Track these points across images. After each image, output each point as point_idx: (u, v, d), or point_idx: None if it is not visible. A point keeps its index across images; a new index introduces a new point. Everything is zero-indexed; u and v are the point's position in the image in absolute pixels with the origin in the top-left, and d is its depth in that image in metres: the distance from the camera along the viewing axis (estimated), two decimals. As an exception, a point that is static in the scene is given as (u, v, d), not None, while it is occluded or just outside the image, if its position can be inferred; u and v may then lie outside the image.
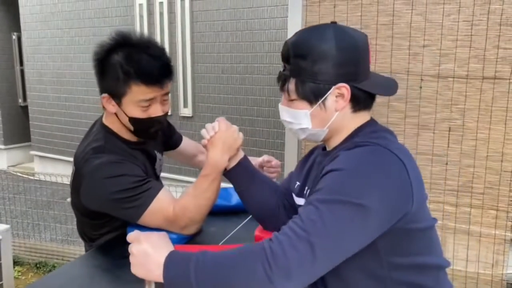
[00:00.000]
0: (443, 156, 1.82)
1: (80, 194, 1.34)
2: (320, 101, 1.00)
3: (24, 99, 6.69)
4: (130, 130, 1.39)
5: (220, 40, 4.61)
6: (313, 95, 1.00)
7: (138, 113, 1.33)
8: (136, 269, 0.91)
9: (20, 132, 6.76)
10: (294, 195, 1.21)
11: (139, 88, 1.29)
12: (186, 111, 4.92)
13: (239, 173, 1.28)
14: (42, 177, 5.19)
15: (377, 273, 0.97)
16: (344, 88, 0.99)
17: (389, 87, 1.07)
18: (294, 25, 1.84)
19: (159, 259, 0.89)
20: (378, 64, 1.84)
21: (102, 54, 1.33)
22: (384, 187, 0.89)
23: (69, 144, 5.70)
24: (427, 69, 1.79)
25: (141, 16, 5.05)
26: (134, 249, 0.92)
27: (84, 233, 1.48)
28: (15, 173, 5.89)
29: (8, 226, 2.36)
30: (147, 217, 1.29)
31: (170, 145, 1.76)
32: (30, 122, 6.33)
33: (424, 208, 1.00)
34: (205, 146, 1.29)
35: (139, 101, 1.31)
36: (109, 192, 1.28)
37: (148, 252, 0.90)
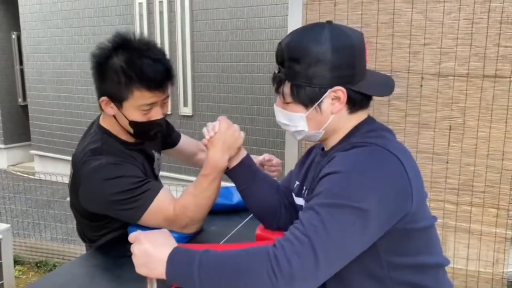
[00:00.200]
0: (443, 154, 1.82)
1: (79, 196, 1.34)
2: (316, 105, 0.99)
3: (24, 98, 6.69)
4: (129, 132, 1.38)
5: (220, 39, 4.61)
6: (308, 99, 0.99)
7: (138, 117, 1.32)
8: (140, 269, 0.91)
9: (20, 131, 6.76)
10: (293, 195, 1.21)
11: (142, 94, 1.28)
12: (186, 110, 4.91)
13: (241, 172, 1.27)
14: (42, 177, 5.19)
15: (377, 273, 0.96)
16: (340, 91, 0.98)
17: (386, 85, 1.05)
18: (294, 24, 1.84)
19: (161, 257, 0.89)
20: (379, 62, 1.83)
21: (101, 57, 1.31)
22: (383, 189, 0.89)
23: (69, 143, 5.70)
24: (428, 68, 1.79)
25: (140, 15, 5.04)
26: (136, 250, 0.92)
27: (84, 234, 1.48)
28: (15, 173, 5.89)
29: (8, 225, 2.37)
30: (147, 218, 1.29)
31: (169, 144, 1.75)
32: (30, 121, 6.33)
33: (424, 207, 1.00)
34: (206, 145, 1.28)
35: (141, 106, 1.30)
36: (108, 194, 1.27)
37: (149, 251, 0.90)
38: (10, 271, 2.35)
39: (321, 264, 0.84)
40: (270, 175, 1.57)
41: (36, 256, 3.58)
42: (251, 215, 1.53)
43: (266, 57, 4.38)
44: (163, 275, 0.89)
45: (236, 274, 0.85)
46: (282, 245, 0.85)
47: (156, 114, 1.34)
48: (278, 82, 1.03)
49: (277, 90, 1.04)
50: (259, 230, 1.33)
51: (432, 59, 1.78)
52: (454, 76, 1.76)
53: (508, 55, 1.68)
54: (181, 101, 4.92)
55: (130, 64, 1.27)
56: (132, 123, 1.33)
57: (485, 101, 1.73)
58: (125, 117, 1.32)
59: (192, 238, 1.37)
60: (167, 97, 1.36)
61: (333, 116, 1.01)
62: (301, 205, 1.15)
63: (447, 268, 1.08)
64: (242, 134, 1.27)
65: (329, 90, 0.98)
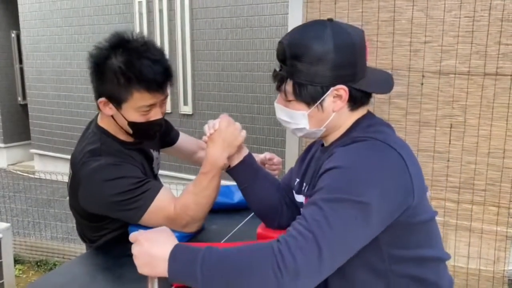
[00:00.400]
0: (444, 152, 1.82)
1: (78, 197, 1.33)
2: (318, 103, 1.00)
3: (24, 97, 6.68)
4: (127, 132, 1.37)
5: (220, 37, 4.60)
6: (311, 98, 1.00)
7: (138, 118, 1.31)
8: (142, 269, 0.91)
9: (20, 130, 6.76)
10: (294, 192, 1.21)
11: (141, 95, 1.27)
12: (186, 109, 4.91)
13: (242, 171, 1.27)
14: (42, 175, 5.18)
15: (379, 266, 0.97)
16: (342, 90, 0.99)
17: (386, 83, 1.06)
18: (295, 22, 1.83)
19: (162, 255, 0.89)
20: (379, 61, 1.83)
21: (99, 57, 1.29)
22: (385, 183, 0.89)
23: (69, 142, 5.70)
24: (428, 66, 1.78)
25: (140, 14, 5.03)
26: (135, 251, 0.91)
27: (84, 235, 1.47)
28: (15, 172, 5.89)
29: (8, 224, 2.36)
30: (148, 218, 1.28)
31: (167, 142, 1.74)
32: (30, 120, 6.32)
33: (424, 200, 1.00)
34: (206, 142, 1.28)
35: (140, 107, 1.29)
36: (108, 195, 1.27)
37: (150, 251, 0.90)
38: (10, 270, 2.35)
39: (325, 259, 0.84)
40: (271, 174, 1.56)
41: (36, 255, 3.58)
42: (252, 213, 1.53)
43: (266, 56, 4.37)
44: (165, 273, 0.89)
45: (240, 270, 0.85)
46: (286, 240, 0.85)
47: (155, 115, 1.33)
48: (279, 80, 1.03)
49: (278, 88, 1.04)
50: (260, 228, 1.32)
51: (433, 57, 1.77)
52: (455, 74, 1.76)
53: (509, 53, 1.67)
54: (181, 100, 4.91)
55: (129, 65, 1.25)
56: (131, 124, 1.33)
57: (486, 99, 1.73)
58: (124, 117, 1.32)
59: (193, 237, 1.36)
60: (166, 97, 1.36)
61: (335, 113, 1.01)
62: (301, 202, 1.15)
63: (447, 266, 1.09)
64: (243, 132, 1.26)
65: (331, 89, 0.98)
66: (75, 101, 5.73)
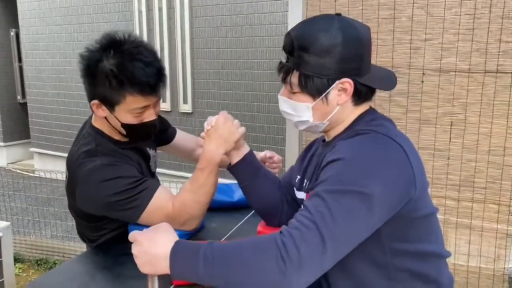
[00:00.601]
0: (444, 150, 1.81)
1: (76, 198, 1.33)
2: (323, 95, 1.00)
3: (23, 96, 6.68)
4: (122, 133, 1.37)
5: (220, 35, 4.59)
6: (316, 90, 1.00)
7: (131, 120, 1.30)
8: (143, 268, 0.91)
9: (20, 129, 6.75)
10: (295, 189, 1.21)
11: (134, 98, 1.26)
12: (186, 107, 4.90)
13: (243, 168, 1.27)
14: (42, 174, 5.18)
15: (380, 260, 0.97)
16: (347, 83, 0.99)
17: (390, 80, 1.07)
18: (295, 20, 1.83)
19: (163, 253, 0.88)
20: (380, 58, 1.83)
21: (91, 59, 1.28)
22: (387, 174, 0.90)
23: (68, 140, 5.70)
24: (429, 63, 1.78)
25: (140, 12, 5.02)
26: (136, 251, 0.91)
27: (83, 235, 1.47)
28: (15, 170, 5.89)
29: (8, 223, 2.36)
30: (146, 217, 1.28)
31: (164, 140, 1.73)
32: (29, 119, 6.32)
33: (425, 195, 1.01)
34: (203, 138, 1.29)
35: (133, 109, 1.29)
36: (105, 196, 1.26)
37: (149, 250, 0.89)
38: (10, 269, 2.35)
39: (329, 250, 0.84)
40: (272, 172, 1.56)
41: (36, 253, 3.57)
42: (252, 212, 1.53)
43: (266, 54, 4.37)
44: (167, 271, 0.88)
45: (243, 263, 0.85)
46: (289, 232, 0.85)
47: (149, 116, 1.33)
48: (285, 71, 1.03)
49: (284, 80, 1.04)
50: (260, 227, 1.32)
51: (433, 55, 1.77)
52: (455, 71, 1.75)
53: (509, 50, 1.67)
54: (181, 98, 4.91)
55: (121, 68, 1.24)
56: (125, 126, 1.32)
57: (487, 97, 1.72)
58: (117, 119, 1.31)
59: (193, 235, 1.36)
60: (160, 98, 1.35)
61: (339, 107, 1.02)
62: (302, 199, 1.15)
63: (448, 264, 1.09)
64: (242, 129, 1.26)
65: (336, 82, 0.99)
66: (75, 100, 5.73)
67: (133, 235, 0.93)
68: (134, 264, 0.91)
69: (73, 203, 1.38)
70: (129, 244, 0.93)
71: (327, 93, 1.00)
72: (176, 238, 0.91)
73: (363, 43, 1.00)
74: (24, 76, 6.38)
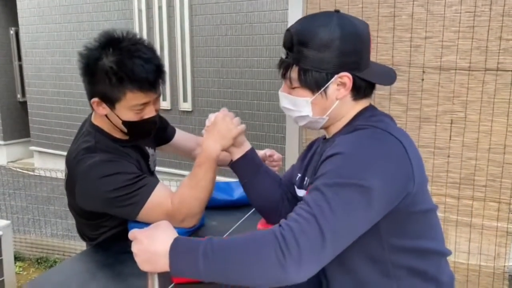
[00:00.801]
0: (445, 148, 1.81)
1: (75, 195, 1.33)
2: (322, 90, 1.01)
3: (23, 94, 6.67)
4: (122, 131, 1.37)
5: (220, 33, 4.59)
6: (315, 84, 1.01)
7: (131, 116, 1.31)
8: (143, 266, 0.91)
9: (20, 127, 6.75)
10: (295, 187, 1.21)
11: (134, 95, 1.27)
12: (186, 106, 4.90)
13: (244, 165, 1.27)
14: (42, 173, 5.17)
15: (378, 256, 0.98)
16: (346, 77, 1.00)
17: (389, 76, 1.08)
18: (294, 18, 1.82)
19: (162, 250, 0.88)
20: (380, 56, 1.82)
21: (90, 57, 1.28)
22: (385, 168, 0.90)
23: (68, 139, 5.68)
24: (429, 61, 1.78)
25: (139, 10, 5.02)
26: (135, 249, 0.91)
27: (83, 233, 1.47)
28: (15, 169, 5.88)
29: (8, 221, 2.36)
30: (145, 213, 1.28)
31: (163, 139, 1.74)
32: (29, 117, 6.32)
33: (425, 191, 1.01)
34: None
35: (134, 106, 1.29)
36: (104, 192, 1.26)
37: (149, 248, 0.89)
38: (11, 267, 2.35)
39: (328, 243, 0.84)
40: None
41: (36, 252, 3.58)
42: (252, 210, 1.53)
43: (266, 52, 4.36)
44: (166, 268, 0.88)
45: (243, 257, 0.85)
46: (289, 225, 0.86)
47: (149, 112, 1.33)
48: (285, 67, 1.04)
49: (284, 75, 1.05)
50: (260, 225, 1.33)
51: (434, 53, 1.77)
52: (455, 69, 1.75)
53: (510, 48, 1.66)
54: (181, 97, 4.91)
55: (120, 65, 1.25)
56: (126, 123, 1.32)
57: (487, 95, 1.72)
58: (118, 117, 1.32)
59: (193, 233, 1.36)
60: (160, 95, 1.36)
61: (338, 102, 1.02)
62: (303, 197, 1.15)
63: (448, 261, 1.08)
64: (242, 126, 1.26)
65: (335, 76, 0.99)
66: (75, 98, 5.72)
67: (133, 233, 0.93)
68: (135, 262, 0.91)
69: (72, 202, 1.38)
70: (129, 242, 0.93)
71: (326, 87, 1.00)
72: (175, 235, 0.91)
73: (362, 38, 1.00)
74: (24, 75, 6.38)
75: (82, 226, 1.45)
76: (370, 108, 1.07)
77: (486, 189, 1.78)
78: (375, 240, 0.96)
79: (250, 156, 1.28)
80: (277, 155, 1.69)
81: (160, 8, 4.86)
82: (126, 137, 1.41)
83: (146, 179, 1.31)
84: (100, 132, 1.38)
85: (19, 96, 6.83)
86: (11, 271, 2.34)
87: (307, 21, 1.03)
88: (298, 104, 1.05)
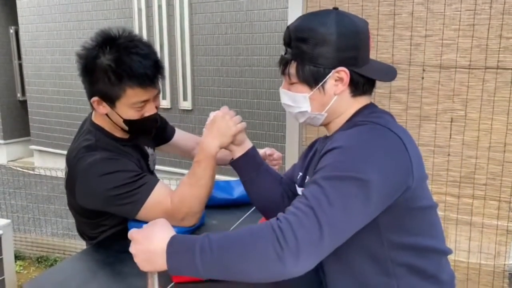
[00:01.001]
0: (445, 147, 1.81)
1: (75, 194, 1.33)
2: (320, 85, 1.01)
3: (23, 93, 6.68)
4: (123, 129, 1.37)
5: (220, 32, 4.59)
6: (313, 79, 1.01)
7: (132, 114, 1.31)
8: (143, 266, 0.91)
9: (20, 126, 6.75)
10: (297, 186, 1.21)
11: (134, 91, 1.27)
12: (186, 104, 4.90)
13: (245, 163, 1.27)
14: (42, 172, 5.18)
15: (377, 253, 0.97)
16: (343, 72, 1.00)
17: (389, 72, 1.08)
18: (294, 16, 1.80)
19: (160, 249, 0.88)
20: (380, 54, 1.82)
21: (88, 57, 1.28)
22: (384, 162, 0.90)
23: (68, 138, 5.69)
24: (429, 60, 1.77)
25: (139, 9, 5.01)
26: (134, 249, 0.91)
27: (83, 232, 1.47)
28: (15, 168, 5.88)
29: (9, 220, 2.36)
30: (145, 212, 1.28)
31: (163, 138, 1.73)
32: (29, 116, 6.32)
33: (424, 188, 1.01)
34: None
35: (134, 103, 1.29)
36: (105, 190, 1.26)
37: (147, 248, 0.89)
38: (11, 266, 2.35)
39: (326, 235, 0.84)
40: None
41: (37, 251, 3.58)
42: (253, 208, 1.53)
43: (266, 50, 4.36)
44: (165, 266, 0.88)
45: (240, 251, 0.84)
46: (286, 218, 0.86)
47: (149, 110, 1.33)
48: (284, 63, 1.05)
49: (283, 72, 1.06)
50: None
51: (434, 51, 1.76)
52: (455, 68, 1.75)
53: (510, 46, 1.66)
54: (181, 95, 4.90)
55: (119, 62, 1.25)
56: (127, 121, 1.32)
57: (487, 93, 1.72)
58: (119, 115, 1.31)
59: (193, 232, 1.36)
60: (159, 91, 1.36)
61: (336, 97, 1.03)
62: (302, 190, 1.15)
63: (448, 259, 1.08)
64: (242, 124, 1.26)
65: (332, 71, 1.00)
66: (75, 97, 5.72)
67: (131, 233, 0.93)
68: (135, 261, 0.91)
69: (72, 200, 1.38)
70: (129, 241, 0.93)
71: (324, 82, 1.01)
72: (173, 233, 0.91)
73: (360, 34, 1.01)
74: (24, 74, 6.38)
75: (82, 225, 1.45)
76: (370, 106, 1.07)
77: (486, 187, 1.78)
78: (374, 236, 0.96)
79: (251, 154, 1.28)
80: (277, 154, 1.69)
81: (159, 6, 4.86)
82: (126, 136, 1.41)
83: (146, 177, 1.31)
84: (100, 131, 1.38)
85: (19, 95, 6.84)
86: (11, 270, 2.35)
87: (306, 18, 1.04)
88: (297, 100, 1.05)
